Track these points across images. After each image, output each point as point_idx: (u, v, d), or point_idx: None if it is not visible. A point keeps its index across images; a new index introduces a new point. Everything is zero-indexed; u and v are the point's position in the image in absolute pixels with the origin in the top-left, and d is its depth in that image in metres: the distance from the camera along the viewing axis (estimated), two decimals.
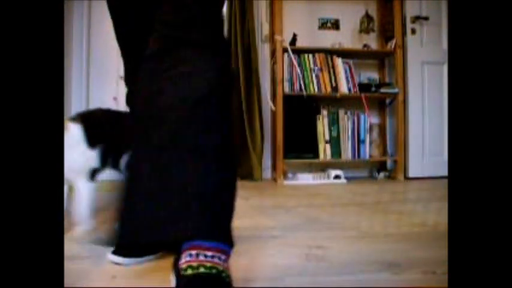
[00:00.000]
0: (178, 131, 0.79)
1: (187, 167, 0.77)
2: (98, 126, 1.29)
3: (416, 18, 3.10)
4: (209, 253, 0.72)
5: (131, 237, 0.96)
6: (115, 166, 1.34)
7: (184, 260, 0.72)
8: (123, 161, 1.32)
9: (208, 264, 0.71)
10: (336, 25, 3.31)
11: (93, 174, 1.27)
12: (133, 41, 0.98)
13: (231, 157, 0.83)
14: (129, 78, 1.04)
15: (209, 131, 0.78)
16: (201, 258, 0.71)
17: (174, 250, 1.03)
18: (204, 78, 0.78)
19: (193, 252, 0.72)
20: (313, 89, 2.99)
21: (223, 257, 0.74)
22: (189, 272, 0.69)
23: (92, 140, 1.26)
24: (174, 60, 0.79)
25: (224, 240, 0.77)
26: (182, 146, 0.78)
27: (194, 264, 0.70)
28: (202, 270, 0.69)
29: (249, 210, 1.81)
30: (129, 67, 1.03)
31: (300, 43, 3.06)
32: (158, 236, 0.97)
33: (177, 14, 0.79)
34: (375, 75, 3.32)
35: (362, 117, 3.06)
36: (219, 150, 0.79)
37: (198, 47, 0.79)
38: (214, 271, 0.70)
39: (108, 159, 1.31)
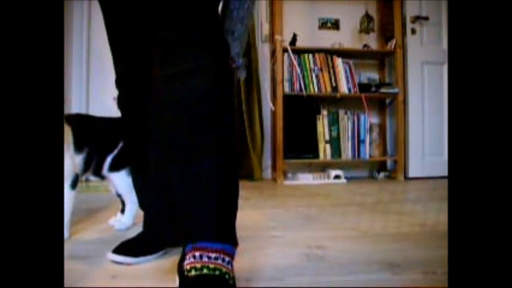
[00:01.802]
0: (176, 131, 0.79)
1: (187, 167, 0.78)
2: (85, 128, 1.26)
3: (416, 18, 3.10)
4: (213, 255, 0.73)
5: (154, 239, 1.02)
6: (97, 171, 1.31)
7: (188, 261, 0.72)
8: (106, 165, 1.31)
9: (212, 266, 0.71)
10: (336, 25, 3.31)
11: (75, 181, 1.23)
12: (126, 46, 0.97)
13: (232, 156, 0.83)
14: (120, 81, 1.04)
15: (207, 130, 0.78)
16: (205, 259, 0.72)
17: (175, 249, 1.03)
18: (201, 78, 0.78)
19: (197, 253, 0.73)
20: (313, 89, 2.99)
21: (227, 258, 0.74)
22: (193, 273, 0.70)
23: (79, 144, 1.22)
24: (172, 61, 0.79)
25: (227, 240, 0.77)
26: (180, 146, 0.78)
27: (198, 265, 0.71)
28: (205, 271, 0.70)
29: (249, 210, 1.81)
30: (120, 70, 1.03)
31: (300, 43, 3.06)
32: (167, 239, 0.98)
33: (173, 15, 0.79)
34: (375, 75, 3.32)
35: (362, 117, 3.06)
36: (218, 150, 0.79)
37: (195, 46, 0.79)
38: (217, 272, 0.70)
39: (91, 164, 1.28)
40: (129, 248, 1.02)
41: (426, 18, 3.10)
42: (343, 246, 1.17)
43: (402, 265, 0.98)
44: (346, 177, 2.93)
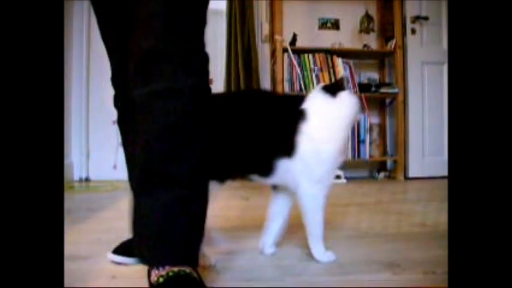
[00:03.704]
0: (148, 158, 0.77)
1: (157, 195, 0.77)
2: None
3: (416, 18, 3.10)
4: (176, 268, 0.75)
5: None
6: None
7: (154, 274, 0.75)
8: None
9: (176, 269, 0.74)
10: (336, 25, 3.31)
11: None
12: (119, 40, 0.94)
13: (201, 185, 0.81)
14: (116, 79, 1.01)
15: (179, 158, 0.77)
16: (167, 268, 0.74)
17: None
18: (178, 101, 0.75)
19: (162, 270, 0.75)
20: (313, 89, 2.98)
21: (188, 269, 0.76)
22: (161, 280, 0.72)
23: None
24: (150, 77, 0.75)
25: (191, 265, 0.77)
26: (151, 174, 0.77)
27: (163, 273, 0.73)
28: (171, 274, 0.72)
29: (249, 210, 1.81)
30: (115, 68, 0.99)
31: (300, 43, 3.06)
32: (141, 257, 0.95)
33: (156, 22, 0.74)
34: (375, 75, 3.32)
35: (362, 117, 3.06)
36: (189, 179, 0.78)
37: (176, 61, 0.75)
38: (182, 273, 0.73)
39: None
40: (129, 248, 1.02)
41: (426, 18, 3.10)
42: (343, 246, 1.17)
43: (402, 265, 0.98)
44: (346, 177, 2.93)
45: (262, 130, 0.98)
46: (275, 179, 1.02)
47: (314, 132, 0.98)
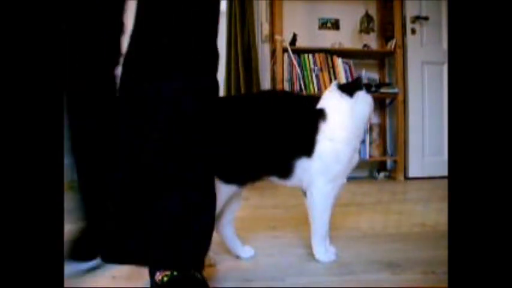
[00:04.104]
0: (159, 160, 0.76)
1: (163, 199, 0.76)
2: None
3: (416, 18, 3.10)
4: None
5: (114, 258, 0.91)
6: None
7: (159, 273, 0.75)
8: None
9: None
10: (336, 25, 3.31)
11: None
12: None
13: (212, 188, 0.81)
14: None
15: (191, 160, 0.76)
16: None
17: None
18: (188, 100, 0.74)
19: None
20: (313, 89, 2.99)
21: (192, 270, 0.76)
22: (165, 279, 0.72)
23: None
24: (157, 73, 0.73)
25: (194, 266, 0.77)
26: (159, 178, 0.76)
27: (168, 272, 0.73)
28: (176, 273, 0.73)
29: (249, 210, 1.81)
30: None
31: (300, 43, 3.06)
32: (136, 260, 0.94)
33: (167, 16, 0.72)
34: (375, 75, 3.32)
35: None
36: (201, 181, 0.78)
37: (187, 59, 0.73)
38: (187, 273, 0.74)
39: None
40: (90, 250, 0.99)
41: (426, 18, 3.10)
42: (343, 246, 1.17)
43: (402, 265, 0.98)
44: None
45: (283, 130, 0.99)
46: (294, 179, 1.02)
47: (333, 132, 0.99)
